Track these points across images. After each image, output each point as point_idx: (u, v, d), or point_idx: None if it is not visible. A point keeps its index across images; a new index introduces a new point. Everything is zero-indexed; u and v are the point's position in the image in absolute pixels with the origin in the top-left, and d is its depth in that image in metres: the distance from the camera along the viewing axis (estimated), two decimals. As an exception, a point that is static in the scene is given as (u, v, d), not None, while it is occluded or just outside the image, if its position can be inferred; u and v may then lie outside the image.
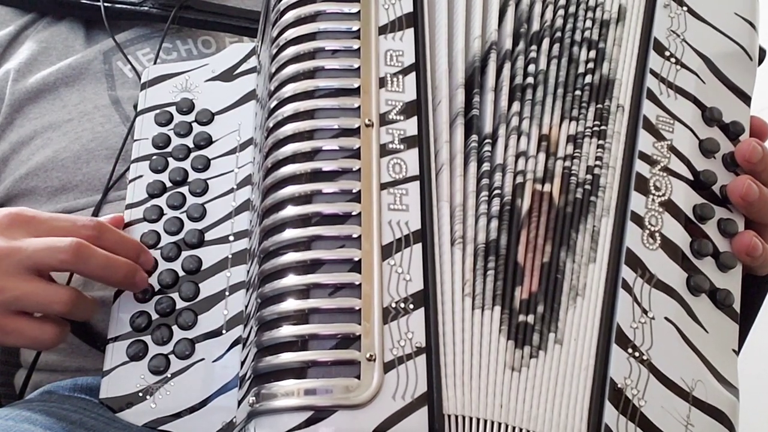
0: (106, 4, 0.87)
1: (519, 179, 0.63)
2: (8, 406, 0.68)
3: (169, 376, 0.67)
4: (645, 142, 0.65)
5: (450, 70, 0.65)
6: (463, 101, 0.64)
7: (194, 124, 0.76)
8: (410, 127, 0.62)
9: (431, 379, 0.56)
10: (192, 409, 0.66)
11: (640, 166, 0.65)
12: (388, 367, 0.56)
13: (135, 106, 0.77)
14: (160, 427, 0.66)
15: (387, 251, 0.59)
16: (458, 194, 0.62)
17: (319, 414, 0.55)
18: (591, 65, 0.67)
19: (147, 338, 0.68)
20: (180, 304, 0.69)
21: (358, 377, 0.55)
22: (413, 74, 0.63)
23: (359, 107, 0.61)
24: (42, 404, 0.68)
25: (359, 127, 0.61)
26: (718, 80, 0.69)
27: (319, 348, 0.57)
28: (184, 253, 0.70)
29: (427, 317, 0.58)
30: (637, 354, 0.60)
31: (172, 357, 0.67)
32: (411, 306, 0.58)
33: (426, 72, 0.64)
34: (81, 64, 0.87)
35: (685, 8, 0.70)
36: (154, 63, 0.86)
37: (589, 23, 0.68)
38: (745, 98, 0.69)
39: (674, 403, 0.60)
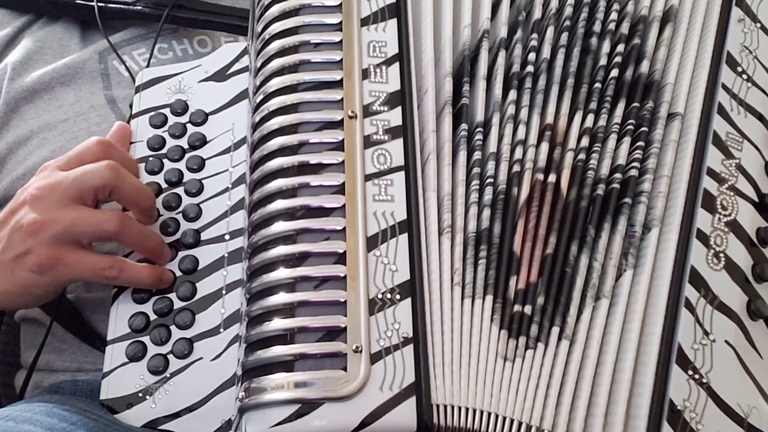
0: (99, 4, 0.87)
1: (516, 168, 0.62)
2: (9, 407, 0.69)
3: (168, 375, 0.67)
4: (713, 158, 0.64)
5: (438, 59, 0.65)
6: (452, 90, 0.64)
7: (188, 125, 0.76)
8: (394, 117, 0.62)
9: (419, 369, 0.56)
10: (191, 408, 0.66)
11: (708, 183, 0.63)
12: (374, 358, 0.56)
13: (131, 106, 0.77)
14: (160, 427, 0.66)
15: (372, 242, 0.58)
16: (446, 183, 0.61)
17: (308, 406, 0.55)
18: (618, 60, 0.65)
19: (145, 339, 0.68)
20: (177, 304, 0.69)
21: (345, 369, 0.55)
22: (397, 65, 0.63)
23: (342, 99, 0.61)
24: (42, 405, 0.68)
25: (342, 120, 0.61)
26: None
27: (306, 341, 0.56)
28: (181, 253, 0.71)
29: (414, 307, 0.57)
30: (697, 376, 0.59)
31: (170, 357, 0.67)
32: (398, 296, 0.57)
33: (410, 62, 0.64)
34: (77, 63, 0.88)
35: (758, 25, 0.68)
36: (148, 63, 0.86)
37: (614, 16, 0.67)
38: None
39: (730, 428, 0.59)
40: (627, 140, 0.64)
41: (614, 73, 0.65)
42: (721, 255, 0.62)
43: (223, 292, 0.69)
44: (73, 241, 0.66)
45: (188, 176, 0.74)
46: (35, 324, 0.85)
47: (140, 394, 0.67)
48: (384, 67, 0.63)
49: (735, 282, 0.62)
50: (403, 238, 0.59)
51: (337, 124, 0.61)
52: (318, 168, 0.60)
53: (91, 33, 0.91)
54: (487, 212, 0.61)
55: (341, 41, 0.63)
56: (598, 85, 0.65)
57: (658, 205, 0.62)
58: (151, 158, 0.75)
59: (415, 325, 0.57)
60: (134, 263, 0.69)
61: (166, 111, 0.77)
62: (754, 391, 0.60)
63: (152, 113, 0.77)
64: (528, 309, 0.60)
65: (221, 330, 0.68)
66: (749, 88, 0.66)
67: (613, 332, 0.59)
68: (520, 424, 0.57)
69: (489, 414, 0.57)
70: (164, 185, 0.74)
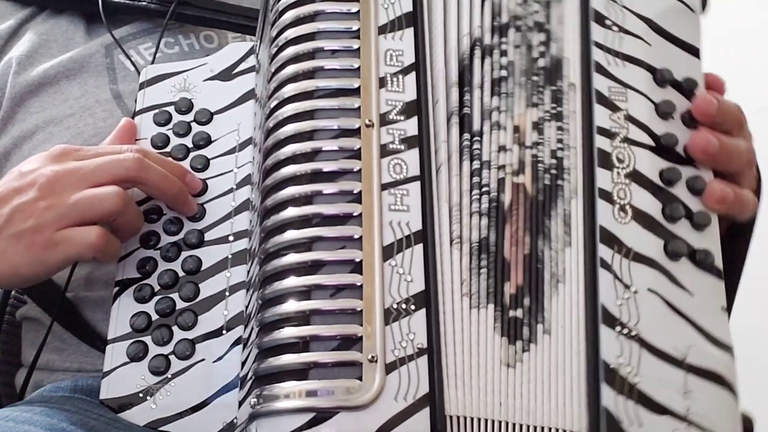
0: None
1: (501, 174, 0.63)
2: (8, 407, 0.68)
3: (170, 376, 0.67)
4: (601, 116, 0.64)
5: (446, 68, 0.65)
6: (458, 99, 0.64)
7: (193, 124, 0.75)
8: (410, 127, 0.62)
9: (433, 380, 0.56)
10: (193, 410, 0.66)
11: (601, 141, 0.64)
12: (389, 368, 0.56)
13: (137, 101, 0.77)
14: (161, 428, 0.66)
15: (388, 252, 0.58)
16: (455, 193, 0.62)
17: (321, 415, 0.55)
18: (542, 48, 0.66)
19: (147, 339, 0.68)
20: (180, 304, 0.69)
21: (360, 378, 0.55)
22: (413, 74, 0.63)
23: (359, 107, 0.61)
24: (42, 405, 0.68)
25: (359, 128, 0.61)
26: (664, 39, 0.68)
27: (320, 349, 0.56)
28: (184, 254, 0.70)
29: (428, 318, 0.58)
30: (625, 331, 0.59)
31: (172, 357, 0.67)
32: (412, 307, 0.58)
33: (426, 71, 0.64)
34: (82, 57, 0.87)
35: None
36: (153, 58, 0.85)
37: (537, 6, 0.67)
38: (694, 52, 0.68)
39: (670, 373, 0.59)
40: (554, 123, 0.65)
41: (541, 62, 0.66)
42: (627, 207, 0.62)
43: (227, 293, 0.69)
44: (73, 222, 0.65)
45: (193, 176, 0.73)
46: (36, 323, 0.84)
47: (141, 395, 0.66)
48: (401, 76, 0.63)
49: (647, 229, 0.62)
50: (419, 248, 0.59)
51: (354, 132, 0.61)
52: (334, 176, 0.60)
53: (96, 26, 0.90)
54: (484, 221, 0.62)
55: (358, 49, 0.63)
56: (535, 77, 0.66)
57: (572, 177, 0.63)
58: (154, 156, 0.74)
59: (429, 336, 0.57)
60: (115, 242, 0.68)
61: (171, 109, 0.76)
62: (689, 331, 0.61)
63: (156, 111, 0.76)
64: (519, 312, 0.60)
65: (224, 331, 0.68)
66: (622, 38, 0.67)
67: (567, 312, 0.60)
68: (528, 427, 0.58)
69: (500, 423, 0.57)
70: (168, 184, 0.73)
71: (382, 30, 0.64)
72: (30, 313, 0.84)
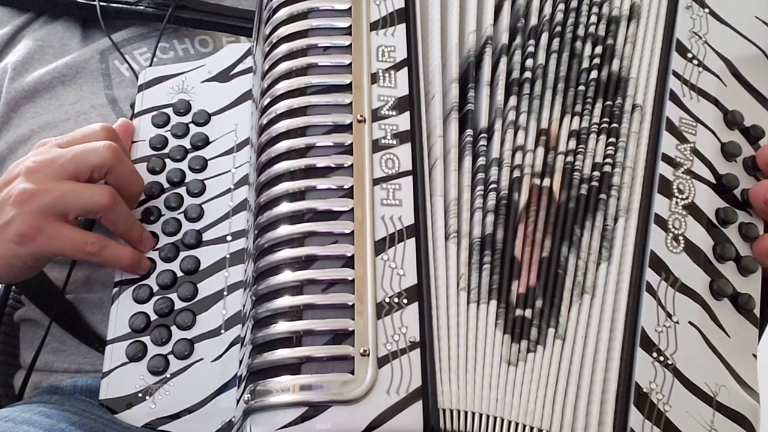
0: (101, 4, 0.87)
1: (516, 173, 0.63)
2: (8, 407, 0.68)
3: (169, 376, 0.67)
4: (668, 144, 0.65)
5: (444, 65, 0.65)
6: (458, 96, 0.64)
7: (191, 125, 0.76)
8: (403, 122, 0.62)
9: (425, 374, 0.56)
10: (191, 409, 0.66)
11: (664, 168, 0.64)
12: (382, 362, 0.56)
13: (132, 105, 0.77)
14: (160, 428, 0.66)
15: (380, 246, 0.58)
16: (453, 189, 0.62)
17: (314, 409, 0.55)
18: (597, 61, 0.67)
19: (146, 339, 0.68)
20: (178, 304, 0.69)
21: (353, 372, 0.55)
22: (405, 69, 0.63)
23: (351, 103, 0.61)
24: (41, 405, 0.68)
25: (351, 123, 0.61)
26: (739, 83, 0.68)
27: (313, 344, 0.56)
28: (182, 254, 0.70)
29: (421, 312, 0.58)
30: (661, 358, 0.59)
31: (171, 357, 0.67)
32: (405, 301, 0.58)
33: (418, 67, 0.64)
34: (78, 62, 0.87)
35: (707, 10, 0.69)
36: (150, 62, 0.86)
37: (594, 19, 0.68)
38: (765, 102, 0.69)
39: (698, 408, 0.59)
40: (603, 138, 0.65)
41: (594, 74, 0.66)
42: (680, 238, 0.63)
43: (225, 293, 0.69)
44: (59, 213, 0.66)
45: (190, 176, 0.73)
46: (35, 324, 0.84)
47: (140, 395, 0.67)
48: (392, 72, 0.63)
49: (696, 263, 0.62)
50: (411, 242, 0.59)
51: (346, 128, 0.61)
52: (326, 171, 0.60)
53: (92, 32, 0.90)
54: (490, 217, 0.62)
55: (350, 45, 0.63)
56: (582, 87, 0.66)
57: (623, 196, 0.63)
58: (153, 157, 0.74)
59: (422, 330, 0.57)
60: (116, 243, 0.68)
61: (169, 111, 0.76)
62: (721, 370, 0.61)
63: (155, 112, 0.76)
64: (528, 313, 0.60)
65: (222, 331, 0.68)
66: (700, 72, 0.67)
67: (592, 325, 0.60)
68: (524, 427, 0.58)
69: (495, 418, 0.57)
70: (166, 185, 0.73)
71: (374, 26, 0.64)
72: (28, 315, 0.85)
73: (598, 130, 0.65)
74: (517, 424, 0.58)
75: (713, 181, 0.65)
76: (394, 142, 0.61)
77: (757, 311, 0.64)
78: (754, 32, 0.70)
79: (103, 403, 0.66)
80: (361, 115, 0.61)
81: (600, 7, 0.68)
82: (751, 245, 0.65)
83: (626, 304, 0.61)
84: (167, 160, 0.74)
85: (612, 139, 0.65)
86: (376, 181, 0.60)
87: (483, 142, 0.64)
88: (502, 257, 0.61)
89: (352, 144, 0.61)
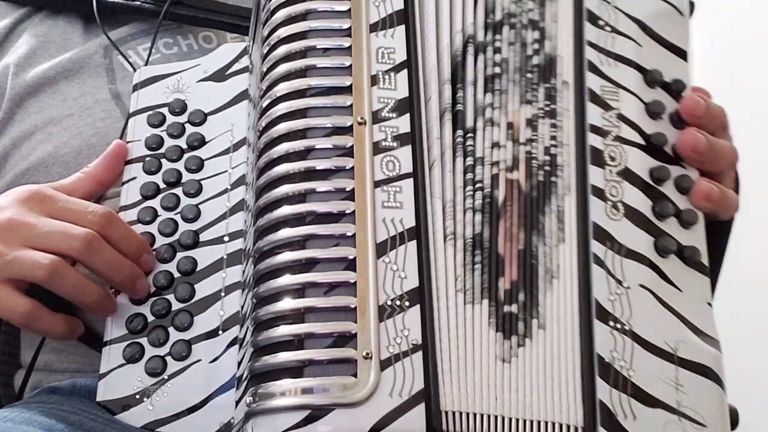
0: None
1: (494, 170, 0.63)
2: (7, 408, 0.68)
3: (166, 377, 0.67)
4: (593, 114, 0.65)
5: (438, 65, 0.65)
6: (450, 96, 0.65)
7: (187, 125, 0.75)
8: (403, 124, 0.62)
9: (428, 376, 0.56)
10: (189, 411, 0.66)
11: (593, 139, 0.65)
12: (384, 364, 0.56)
13: None
14: (158, 429, 0.66)
15: (382, 249, 0.59)
16: (449, 190, 0.62)
17: (317, 412, 0.55)
18: (536, 46, 0.67)
19: (143, 340, 0.68)
20: (176, 305, 0.69)
21: (355, 375, 0.55)
22: (405, 71, 0.63)
23: (351, 105, 0.61)
24: (41, 405, 0.68)
25: (352, 125, 0.61)
26: (654, 41, 0.69)
27: (315, 347, 0.57)
28: (179, 255, 0.70)
29: (422, 314, 0.58)
30: (618, 326, 0.60)
31: (168, 358, 0.67)
32: (407, 303, 0.58)
33: (418, 69, 0.64)
34: (81, 57, 0.87)
35: None
36: (147, 58, 0.85)
37: (531, 4, 0.68)
38: (683, 54, 0.69)
39: (662, 367, 0.60)
40: (548, 121, 0.65)
41: (535, 59, 0.67)
42: (619, 204, 0.63)
43: (222, 294, 0.69)
44: (6, 278, 0.65)
45: (187, 177, 0.73)
46: (35, 324, 0.83)
47: (137, 396, 0.67)
48: (392, 74, 0.63)
49: (637, 227, 0.63)
50: (412, 245, 0.59)
51: (347, 130, 0.61)
52: (327, 173, 0.60)
53: (94, 26, 0.89)
54: (478, 217, 0.62)
55: (350, 47, 0.63)
56: (530, 74, 0.66)
57: (565, 174, 0.64)
58: (148, 158, 0.74)
59: (423, 332, 0.57)
60: (48, 316, 0.68)
61: (165, 110, 0.76)
62: (678, 325, 0.62)
63: (150, 112, 0.76)
64: (514, 308, 0.61)
65: (220, 332, 0.68)
66: (614, 38, 0.68)
67: (561, 308, 0.61)
68: (524, 422, 0.58)
69: (495, 417, 0.58)
70: (162, 185, 0.73)
71: (374, 28, 0.64)
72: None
73: (543, 114, 0.65)
74: (517, 420, 0.58)
75: (642, 142, 0.66)
76: (395, 144, 0.61)
77: (705, 260, 0.64)
78: None
79: (101, 405, 0.67)
80: (361, 118, 0.61)
81: None
82: (688, 196, 0.66)
83: (577, 279, 0.61)
84: (163, 160, 0.74)
85: (552, 120, 0.65)
86: (377, 184, 0.60)
87: (470, 141, 0.64)
88: (489, 256, 0.61)
89: (352, 146, 0.61)
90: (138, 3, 0.87)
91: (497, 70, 0.66)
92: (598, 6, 0.68)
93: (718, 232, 0.70)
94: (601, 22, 0.68)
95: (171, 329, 0.68)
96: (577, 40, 0.67)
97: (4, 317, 0.68)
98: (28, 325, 0.67)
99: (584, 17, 0.68)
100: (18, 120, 0.85)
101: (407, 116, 0.62)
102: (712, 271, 0.66)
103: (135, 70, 0.84)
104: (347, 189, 0.60)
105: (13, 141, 0.84)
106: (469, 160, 0.63)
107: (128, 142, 0.75)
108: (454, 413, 0.57)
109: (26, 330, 0.68)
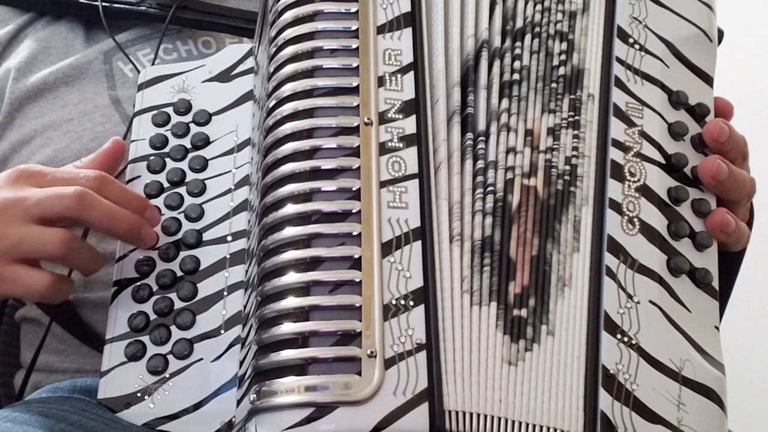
0: (104, 4, 0.87)
1: (509, 175, 0.64)
2: (7, 408, 0.68)
3: (168, 376, 0.67)
4: (617, 129, 0.66)
5: (446, 68, 0.66)
6: (459, 100, 0.65)
7: (191, 125, 0.76)
8: (409, 125, 0.62)
9: (432, 375, 0.56)
10: (190, 409, 0.66)
11: (614, 154, 0.65)
12: (388, 363, 0.56)
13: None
14: (159, 427, 0.66)
15: (387, 248, 0.59)
16: (456, 192, 0.62)
17: (320, 410, 0.55)
18: (563, 57, 0.68)
19: (145, 338, 0.68)
20: (178, 304, 0.69)
21: (359, 374, 0.55)
22: (411, 73, 0.64)
23: (358, 106, 0.62)
24: (41, 405, 0.68)
25: (358, 126, 0.61)
26: (681, 64, 0.70)
27: (319, 345, 0.57)
28: (182, 254, 0.71)
29: (427, 314, 0.58)
30: (626, 339, 0.60)
31: (170, 357, 0.67)
32: (411, 303, 0.58)
33: (424, 71, 0.64)
34: (81, 63, 0.87)
35: None
36: (152, 63, 0.86)
37: (560, 16, 0.69)
38: (708, 80, 0.70)
39: (665, 384, 0.60)
40: (570, 131, 0.66)
41: (561, 70, 0.67)
42: (635, 219, 0.64)
43: (225, 293, 0.69)
44: (17, 258, 0.65)
45: (191, 176, 0.74)
46: (35, 324, 0.84)
47: (139, 394, 0.67)
48: (399, 75, 0.64)
49: (652, 243, 0.64)
50: (417, 245, 0.59)
51: (353, 131, 0.61)
52: (333, 173, 0.60)
53: (95, 33, 0.90)
54: (489, 220, 0.62)
55: (357, 48, 0.63)
56: (554, 84, 0.67)
57: (584, 185, 0.65)
58: (152, 157, 0.74)
59: (428, 332, 0.57)
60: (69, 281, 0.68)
61: (169, 110, 0.76)
62: (685, 345, 0.62)
63: (155, 111, 0.76)
64: (524, 312, 0.61)
65: (222, 331, 0.68)
66: (643, 56, 0.68)
67: (572, 316, 0.61)
68: (528, 426, 0.58)
69: (499, 419, 0.58)
70: (166, 184, 0.73)
71: (381, 30, 0.64)
72: (29, 314, 0.84)
73: (567, 124, 0.66)
74: (520, 424, 0.58)
75: (663, 161, 0.66)
76: (401, 145, 0.62)
77: (715, 284, 0.65)
78: (692, 12, 0.71)
79: (102, 403, 0.67)
80: (368, 118, 0.62)
81: (563, 3, 0.69)
82: (704, 221, 0.66)
83: (588, 290, 0.62)
84: (167, 160, 0.74)
85: (576, 132, 0.66)
86: (382, 184, 0.60)
87: (481, 145, 0.64)
88: (500, 259, 0.62)
89: (359, 146, 0.61)
90: (143, 8, 0.88)
91: (516, 77, 0.66)
92: (629, 24, 0.69)
93: (728, 262, 0.70)
94: (630, 40, 0.69)
95: (173, 328, 0.68)
96: (606, 55, 0.68)
97: (24, 296, 0.67)
98: (49, 296, 0.67)
99: (615, 33, 0.69)
100: (18, 125, 0.85)
101: (413, 118, 0.63)
102: (721, 298, 0.66)
103: (139, 72, 0.84)
104: (353, 189, 0.60)
105: (13, 145, 0.84)
106: (480, 164, 0.64)
107: (132, 141, 0.76)
108: (457, 413, 0.57)
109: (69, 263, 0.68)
